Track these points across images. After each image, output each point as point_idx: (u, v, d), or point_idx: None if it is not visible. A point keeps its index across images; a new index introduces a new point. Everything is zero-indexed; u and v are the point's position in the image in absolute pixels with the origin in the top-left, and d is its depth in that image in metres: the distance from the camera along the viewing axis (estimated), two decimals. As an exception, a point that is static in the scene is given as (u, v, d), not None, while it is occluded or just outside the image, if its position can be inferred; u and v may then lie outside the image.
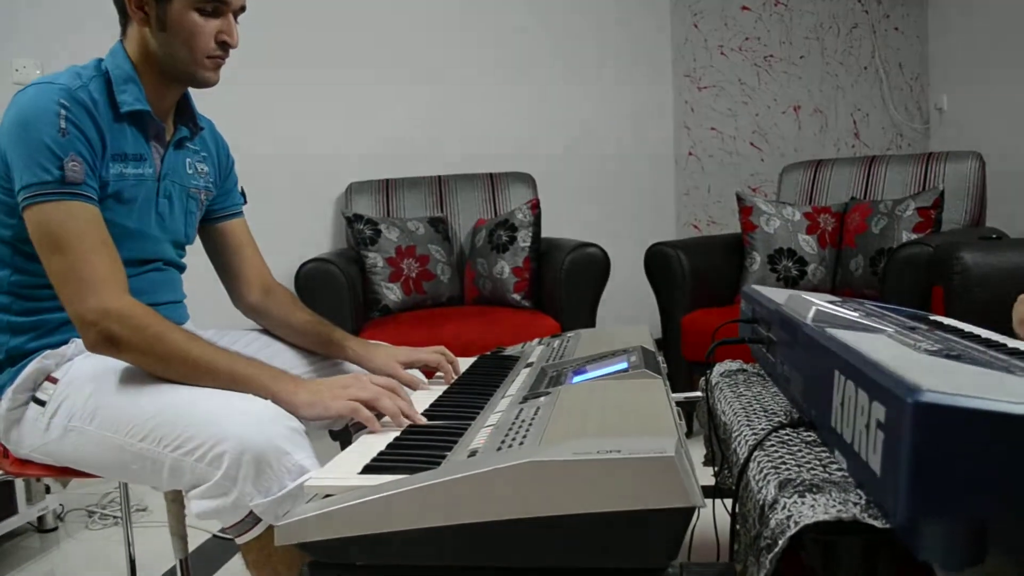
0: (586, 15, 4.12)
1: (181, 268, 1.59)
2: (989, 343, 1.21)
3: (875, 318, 1.31)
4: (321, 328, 1.67)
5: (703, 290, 2.94)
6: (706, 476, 1.40)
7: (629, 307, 3.40)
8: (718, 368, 1.72)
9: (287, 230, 3.28)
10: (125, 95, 1.36)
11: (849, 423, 0.90)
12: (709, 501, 1.36)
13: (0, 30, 3.01)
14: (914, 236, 2.72)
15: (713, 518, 1.41)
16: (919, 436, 0.72)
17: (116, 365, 1.31)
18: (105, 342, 1.25)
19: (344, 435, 1.78)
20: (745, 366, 1.69)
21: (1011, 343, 1.29)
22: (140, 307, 1.27)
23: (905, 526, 0.74)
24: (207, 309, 1.76)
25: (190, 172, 1.53)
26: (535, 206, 3.08)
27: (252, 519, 1.18)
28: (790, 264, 2.98)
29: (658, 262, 2.97)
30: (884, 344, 1.01)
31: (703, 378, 1.68)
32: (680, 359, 2.87)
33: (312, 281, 2.69)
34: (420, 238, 3.06)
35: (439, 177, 3.44)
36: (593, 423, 1.00)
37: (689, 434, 2.93)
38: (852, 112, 4.44)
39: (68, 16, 3.04)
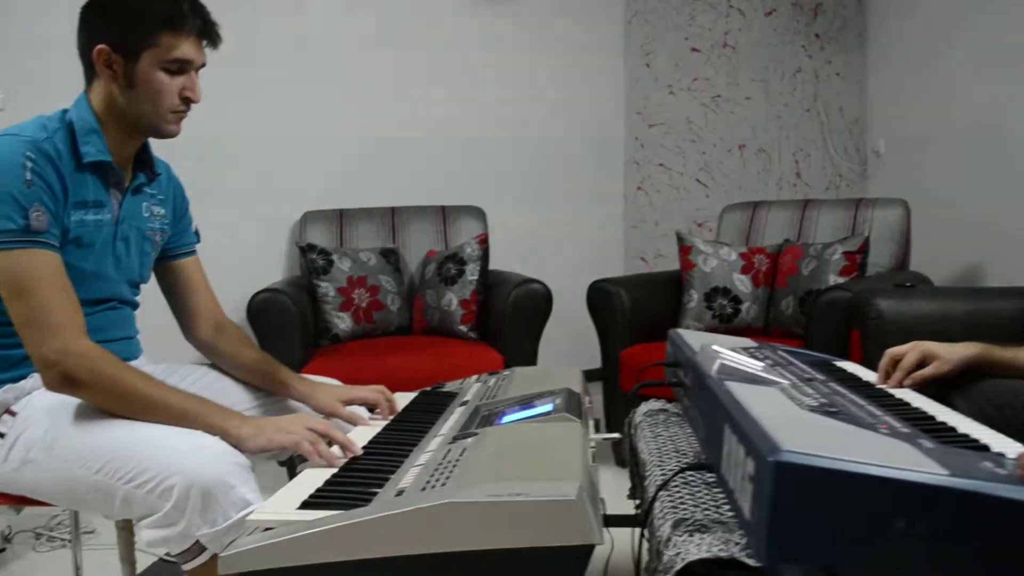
0: (541, 52, 4.25)
1: (135, 306, 1.68)
2: (872, 394, 1.34)
3: (779, 369, 1.44)
4: (268, 367, 1.76)
5: (643, 325, 3.06)
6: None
7: (574, 339, 3.51)
8: (643, 407, 1.84)
9: (244, 258, 3.35)
10: (88, 147, 1.46)
11: (732, 472, 1.01)
12: (627, 532, 1.47)
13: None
14: (841, 279, 2.88)
15: (632, 548, 1.52)
16: (776, 491, 0.83)
17: (73, 400, 1.40)
18: (64, 382, 1.34)
19: (291, 463, 1.88)
20: (667, 406, 1.82)
21: (898, 393, 1.43)
22: (97, 349, 1.37)
23: (769, 569, 0.86)
24: (162, 343, 1.84)
25: (146, 215, 1.62)
26: (483, 241, 3.19)
27: (198, 547, 1.28)
28: (725, 302, 3.13)
29: (599, 298, 3.09)
30: (772, 400, 1.14)
31: (628, 417, 1.80)
32: (618, 392, 2.99)
33: (264, 311, 2.77)
34: (372, 268, 3.16)
35: (392, 208, 3.54)
36: (510, 466, 1.11)
37: (622, 465, 3.05)
38: (794, 152, 4.62)
39: (31, 45, 3.11)
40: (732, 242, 3.47)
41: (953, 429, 1.16)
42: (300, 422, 1.41)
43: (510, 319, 2.91)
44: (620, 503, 1.72)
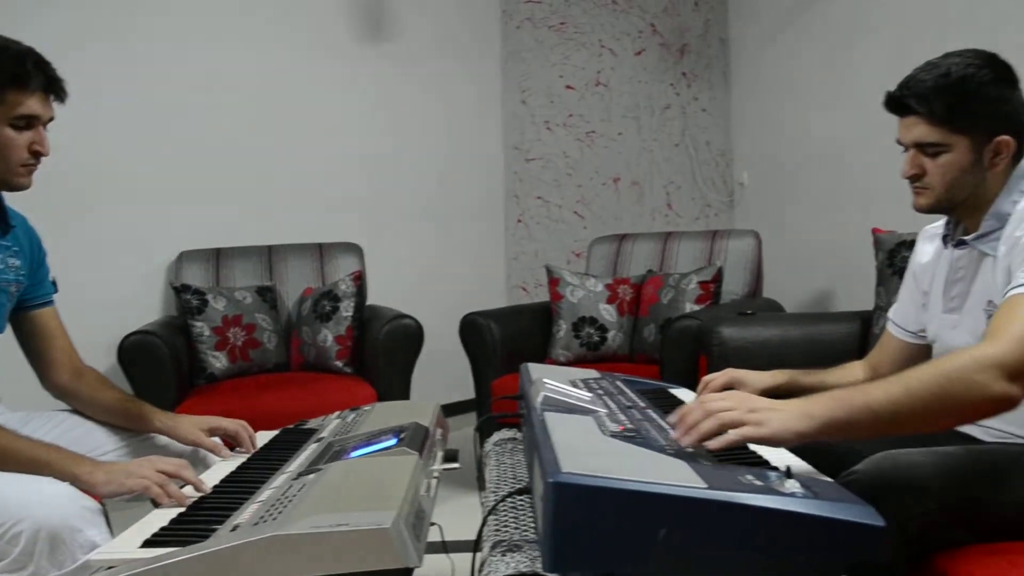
0: (419, 90, 4.36)
1: (-10, 355, 1.71)
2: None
3: (605, 399, 1.57)
4: (129, 405, 1.81)
5: (514, 355, 3.17)
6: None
7: (451, 369, 3.60)
8: (496, 436, 1.95)
9: (118, 300, 3.33)
10: (-58, 202, 1.49)
11: (536, 494, 1.13)
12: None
13: None
14: (696, 307, 3.06)
15: (472, 571, 1.62)
16: (555, 507, 0.95)
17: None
18: None
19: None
20: (517, 435, 1.93)
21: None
22: None
23: (555, 578, 0.97)
24: (21, 390, 1.86)
25: (1, 267, 1.66)
26: (358, 278, 3.27)
27: (48, 589, 1.32)
28: (592, 331, 3.28)
29: (470, 331, 3.21)
30: (579, 428, 1.25)
31: (481, 447, 1.91)
32: (490, 420, 3.09)
33: (134, 353, 2.78)
34: (247, 307, 3.20)
35: (270, 247, 3.58)
36: (339, 499, 1.20)
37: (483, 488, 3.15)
38: (666, 185, 4.84)
39: None
40: (600, 273, 3.63)
41: (743, 447, 1.29)
42: (150, 465, 1.46)
43: (382, 354, 2.99)
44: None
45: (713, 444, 1.13)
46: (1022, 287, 1.28)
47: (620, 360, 3.27)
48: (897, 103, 1.49)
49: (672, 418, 1.20)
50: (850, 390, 1.18)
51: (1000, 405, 1.18)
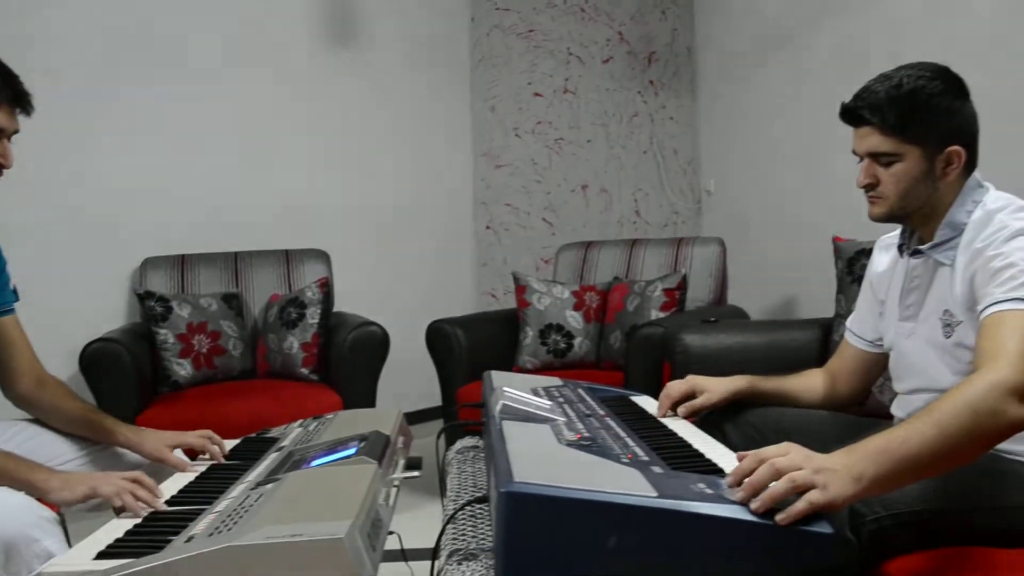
0: (387, 96, 4.36)
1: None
2: (644, 426, 1.50)
3: (565, 407, 1.58)
4: (92, 416, 1.80)
5: (481, 362, 3.17)
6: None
7: (419, 376, 3.60)
8: (459, 443, 1.95)
9: (82, 307, 3.30)
10: None
11: (492, 502, 1.13)
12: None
13: None
14: (661, 314, 3.08)
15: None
16: (507, 516, 0.95)
17: None
18: None
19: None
20: (480, 443, 1.93)
21: (672, 424, 1.58)
22: None
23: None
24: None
25: (-40, 276, 1.64)
26: (324, 284, 3.26)
27: (4, 598, 1.31)
28: (559, 338, 3.29)
29: (437, 338, 3.21)
30: (537, 436, 1.26)
31: (443, 455, 1.91)
32: (455, 428, 3.09)
33: (96, 361, 2.76)
34: (212, 314, 3.18)
35: (235, 253, 3.56)
36: (296, 508, 1.19)
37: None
38: (634, 192, 4.87)
39: None
40: (566, 280, 3.65)
41: (700, 455, 1.31)
42: (106, 476, 1.45)
43: (348, 362, 2.98)
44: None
45: (785, 519, 0.99)
46: (1000, 305, 1.30)
47: (587, 367, 3.28)
48: (851, 114, 1.52)
49: (729, 479, 1.07)
50: (887, 439, 1.11)
51: (1017, 428, 1.18)
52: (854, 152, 1.55)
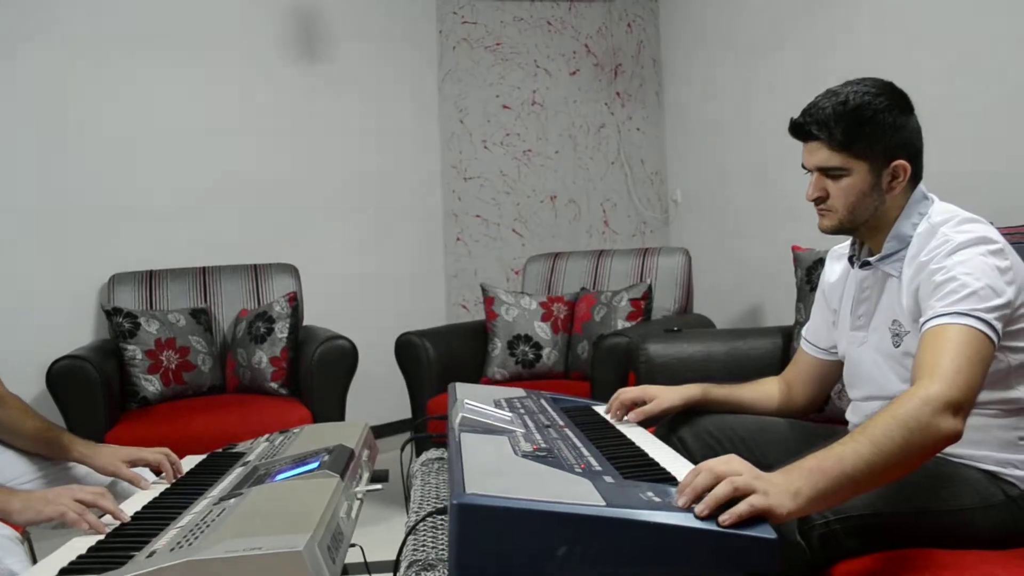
0: (357, 110, 4.38)
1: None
2: (602, 436, 1.53)
3: (525, 418, 1.60)
4: (49, 434, 1.80)
5: (450, 373, 3.20)
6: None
7: (389, 389, 3.62)
8: (424, 455, 1.97)
9: (49, 324, 3.30)
10: None
11: (449, 514, 1.16)
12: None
13: None
14: (628, 324, 3.12)
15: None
16: (459, 527, 0.98)
17: None
18: None
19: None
20: (444, 455, 1.95)
21: (630, 434, 1.61)
22: None
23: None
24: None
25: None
26: (293, 299, 3.27)
27: (-37, 619, 1.32)
28: (527, 348, 3.32)
29: (406, 350, 3.23)
30: (494, 447, 1.29)
31: (408, 466, 1.93)
32: (422, 440, 3.12)
33: (63, 378, 2.75)
34: (180, 330, 3.18)
35: (204, 268, 3.56)
36: (256, 522, 1.21)
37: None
38: (602, 202, 4.92)
39: None
40: (534, 291, 3.68)
41: (654, 463, 1.34)
42: (68, 493, 1.46)
43: (317, 375, 3.00)
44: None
45: (728, 520, 1.02)
46: (940, 319, 1.34)
47: (555, 377, 3.32)
48: (799, 129, 1.56)
49: (679, 498, 1.08)
50: (823, 457, 1.14)
51: (950, 441, 1.22)
52: (803, 166, 1.59)
